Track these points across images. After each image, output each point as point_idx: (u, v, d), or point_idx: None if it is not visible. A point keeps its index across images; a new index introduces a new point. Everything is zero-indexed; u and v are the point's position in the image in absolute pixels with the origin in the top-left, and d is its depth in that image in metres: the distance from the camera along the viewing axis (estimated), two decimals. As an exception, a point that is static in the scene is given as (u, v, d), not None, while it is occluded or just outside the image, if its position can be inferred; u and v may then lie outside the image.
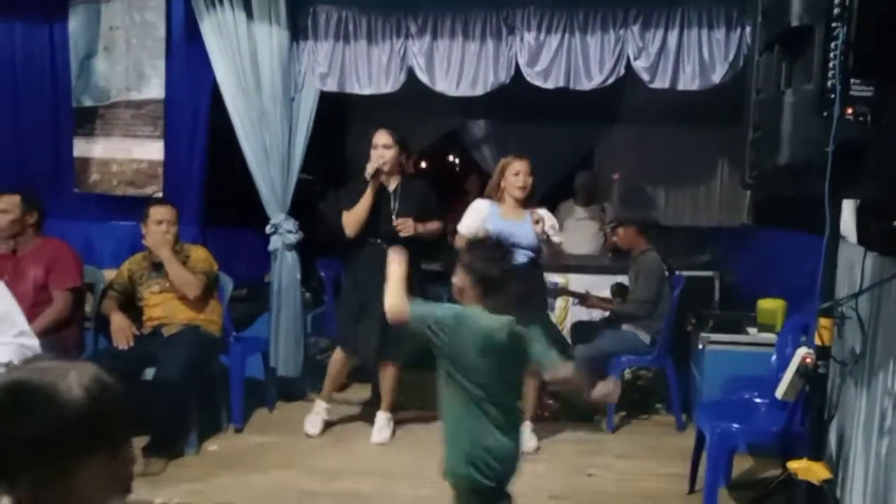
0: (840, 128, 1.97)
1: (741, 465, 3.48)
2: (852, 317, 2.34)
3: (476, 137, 7.07)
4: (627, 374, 4.64)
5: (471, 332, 2.09)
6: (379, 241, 3.81)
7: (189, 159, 4.44)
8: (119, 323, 3.66)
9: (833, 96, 1.98)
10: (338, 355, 3.97)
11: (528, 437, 3.76)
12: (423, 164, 9.40)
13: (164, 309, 3.74)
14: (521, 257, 3.62)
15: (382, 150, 3.83)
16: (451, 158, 10.17)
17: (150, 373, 3.53)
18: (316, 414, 3.99)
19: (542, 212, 3.77)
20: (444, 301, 5.55)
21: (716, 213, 6.57)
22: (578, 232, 5.84)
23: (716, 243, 6.00)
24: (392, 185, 3.91)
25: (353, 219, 3.83)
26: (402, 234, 3.73)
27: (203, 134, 4.44)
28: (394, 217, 3.83)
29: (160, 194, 4.37)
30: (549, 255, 3.79)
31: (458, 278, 2.24)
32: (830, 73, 1.99)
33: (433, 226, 3.96)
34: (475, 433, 2.09)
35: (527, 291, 3.56)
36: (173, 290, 3.74)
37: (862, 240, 2.85)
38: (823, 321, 2.18)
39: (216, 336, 3.82)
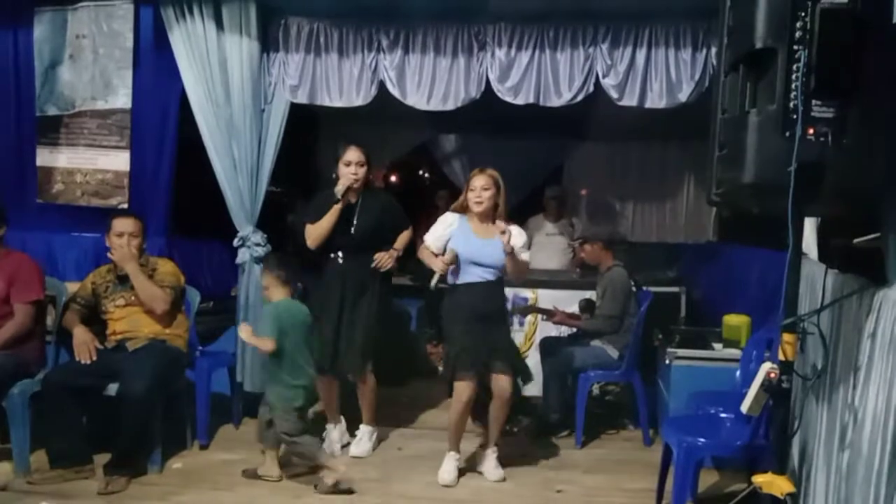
0: (802, 148, 2.01)
1: (707, 479, 3.52)
2: (814, 332, 2.39)
3: (446, 151, 7.11)
4: (596, 388, 4.67)
5: (282, 314, 3.44)
6: (340, 255, 3.85)
7: (156, 170, 4.38)
8: (81, 337, 3.58)
9: (795, 117, 2.03)
10: (321, 382, 3.86)
11: (493, 467, 3.66)
12: (394, 178, 9.40)
13: (129, 323, 3.67)
14: (482, 274, 3.58)
15: (356, 167, 3.80)
16: (421, 173, 10.17)
17: (113, 388, 3.46)
18: (329, 436, 3.98)
19: (512, 228, 3.62)
20: (414, 311, 5.54)
21: (682, 230, 6.67)
22: (547, 247, 5.88)
23: (682, 259, 6.09)
24: (353, 199, 3.87)
25: (317, 233, 3.81)
26: (382, 270, 3.83)
27: (171, 144, 4.39)
28: (352, 231, 3.80)
29: (125, 205, 4.31)
30: (511, 272, 3.62)
31: (265, 280, 3.56)
32: (793, 95, 2.03)
33: (403, 239, 3.95)
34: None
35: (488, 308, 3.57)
36: (138, 303, 3.67)
37: (823, 256, 2.91)
38: (786, 336, 2.22)
39: (182, 351, 3.75)
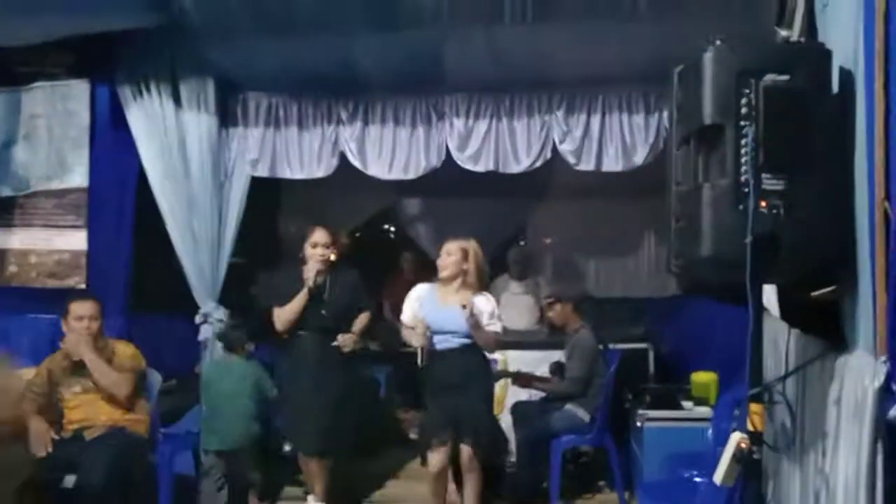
0: (756, 220, 2.04)
1: (686, 543, 3.46)
2: (781, 401, 2.39)
3: (410, 214, 7.12)
4: (569, 451, 4.61)
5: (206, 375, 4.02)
6: (308, 332, 3.80)
7: (114, 248, 4.29)
8: (36, 428, 3.42)
9: (747, 190, 2.06)
10: (307, 461, 3.85)
11: None
12: (358, 235, 9.28)
13: (86, 411, 3.53)
14: (453, 342, 3.57)
15: (323, 249, 3.78)
16: (387, 227, 10.08)
17: (70, 480, 3.30)
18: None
19: (479, 299, 3.65)
20: (383, 378, 5.43)
21: (645, 284, 6.71)
22: (514, 307, 5.87)
23: (647, 314, 6.11)
24: (320, 279, 3.81)
25: (285, 317, 3.79)
26: (345, 351, 3.77)
27: (129, 222, 4.32)
28: (323, 312, 3.77)
29: (83, 285, 4.20)
30: (480, 343, 3.61)
31: None
32: (743, 169, 2.07)
33: (361, 322, 3.93)
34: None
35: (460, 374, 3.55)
36: (96, 389, 3.55)
37: (784, 315, 2.94)
38: (754, 407, 2.22)
39: (142, 437, 3.61)
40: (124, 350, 3.70)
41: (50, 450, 3.37)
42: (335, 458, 3.85)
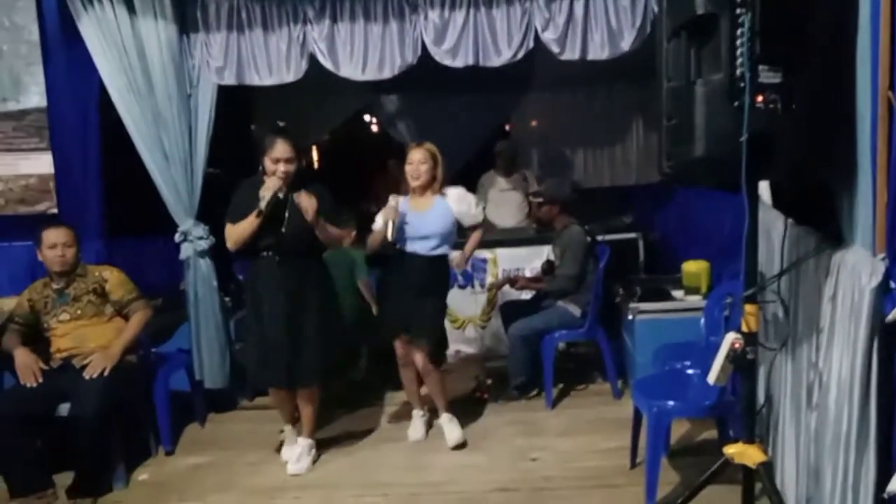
0: (752, 117, 1.93)
1: (678, 430, 3.54)
2: (775, 300, 2.35)
3: (390, 112, 6.87)
4: (562, 345, 4.66)
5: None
6: (271, 253, 3.40)
7: (83, 170, 4.12)
8: (23, 359, 3.38)
9: (743, 85, 1.94)
10: (276, 395, 3.63)
11: (448, 431, 3.75)
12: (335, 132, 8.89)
13: (74, 338, 3.48)
14: (421, 247, 3.62)
15: (285, 164, 3.33)
16: (369, 120, 9.72)
17: (64, 408, 3.30)
18: (286, 443, 3.75)
19: (452, 190, 3.69)
20: (374, 284, 5.46)
21: (634, 171, 6.60)
22: (503, 203, 5.79)
23: (637, 203, 6.05)
24: (281, 194, 3.33)
25: (235, 237, 3.37)
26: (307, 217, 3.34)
27: (95, 141, 4.13)
28: (283, 229, 3.36)
29: (55, 210, 4.06)
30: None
31: None
32: (739, 62, 1.94)
33: (335, 232, 3.52)
34: None
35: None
36: (83, 317, 3.50)
37: (777, 204, 2.87)
38: (749, 307, 2.18)
39: (133, 362, 3.58)
40: (113, 277, 3.61)
41: (40, 380, 3.34)
42: (311, 390, 3.56)
